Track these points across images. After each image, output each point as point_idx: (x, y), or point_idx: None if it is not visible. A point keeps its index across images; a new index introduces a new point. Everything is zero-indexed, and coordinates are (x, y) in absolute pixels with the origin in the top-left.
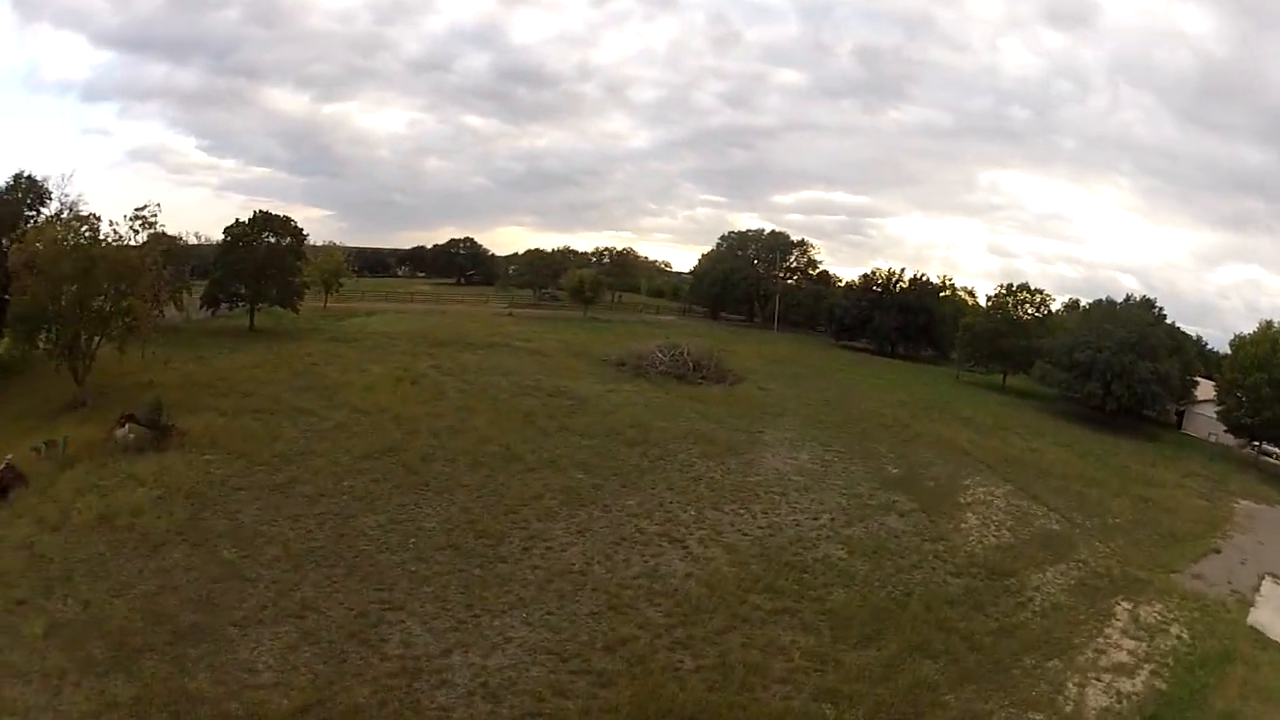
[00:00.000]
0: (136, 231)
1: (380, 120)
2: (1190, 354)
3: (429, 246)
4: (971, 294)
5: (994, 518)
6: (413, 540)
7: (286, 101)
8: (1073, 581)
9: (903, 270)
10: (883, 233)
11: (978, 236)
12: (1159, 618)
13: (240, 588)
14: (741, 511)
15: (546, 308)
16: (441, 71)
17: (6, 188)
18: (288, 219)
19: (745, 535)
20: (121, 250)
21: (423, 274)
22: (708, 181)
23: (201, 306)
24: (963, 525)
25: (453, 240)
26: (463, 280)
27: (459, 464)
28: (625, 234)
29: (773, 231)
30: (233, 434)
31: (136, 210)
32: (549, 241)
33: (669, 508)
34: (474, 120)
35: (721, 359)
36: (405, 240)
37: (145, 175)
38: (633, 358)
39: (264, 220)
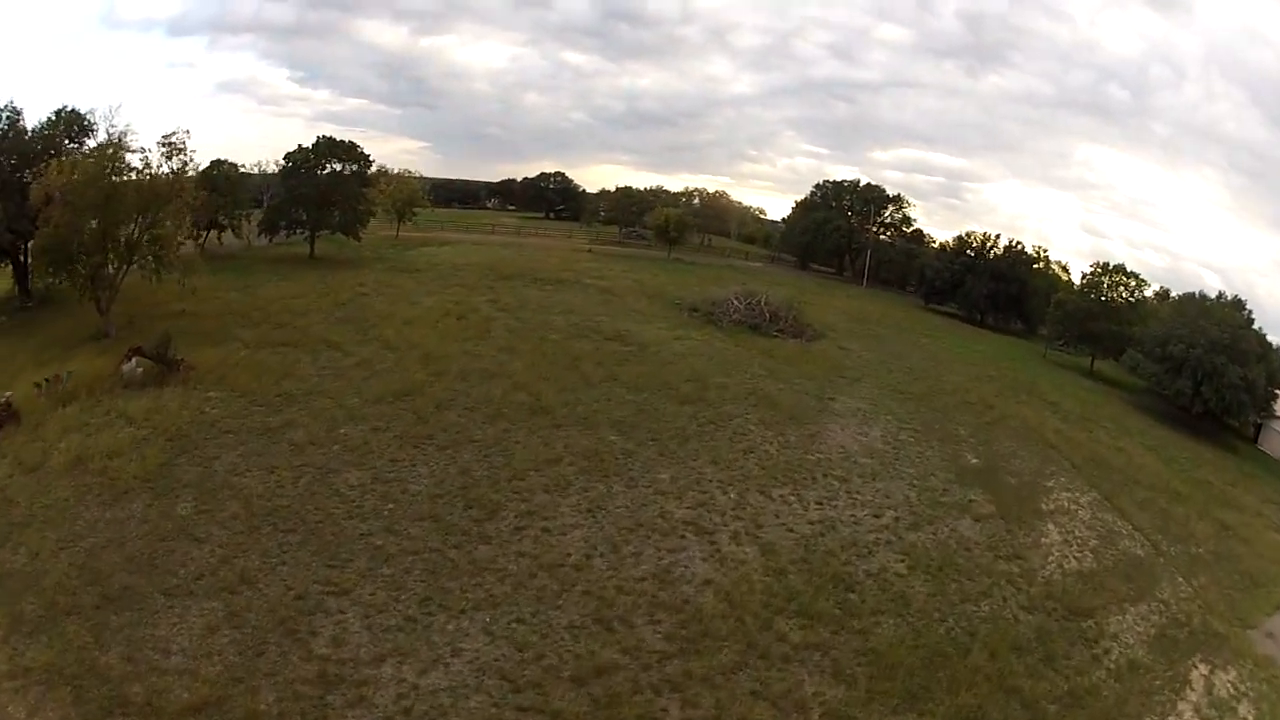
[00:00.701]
0: (168, 158)
1: (479, 54)
2: (1276, 364)
3: (519, 180)
4: (1065, 269)
5: (1077, 533)
6: (390, 506)
7: (383, 34)
8: (1153, 630)
9: (997, 236)
10: (978, 198)
11: (1070, 212)
12: (1231, 689)
13: (185, 549)
14: (792, 499)
15: (630, 246)
16: (542, 8)
17: (47, 123)
18: (353, 144)
19: (790, 532)
20: (146, 179)
21: (512, 207)
22: (809, 131)
23: (260, 233)
24: (1043, 540)
25: (543, 174)
26: (551, 215)
27: (476, 415)
28: (723, 179)
29: (869, 184)
30: (244, 369)
31: (164, 136)
32: (646, 181)
33: (706, 486)
34: (574, 56)
35: (801, 311)
36: (501, 174)
37: (235, 107)
38: (707, 303)
39: (328, 146)
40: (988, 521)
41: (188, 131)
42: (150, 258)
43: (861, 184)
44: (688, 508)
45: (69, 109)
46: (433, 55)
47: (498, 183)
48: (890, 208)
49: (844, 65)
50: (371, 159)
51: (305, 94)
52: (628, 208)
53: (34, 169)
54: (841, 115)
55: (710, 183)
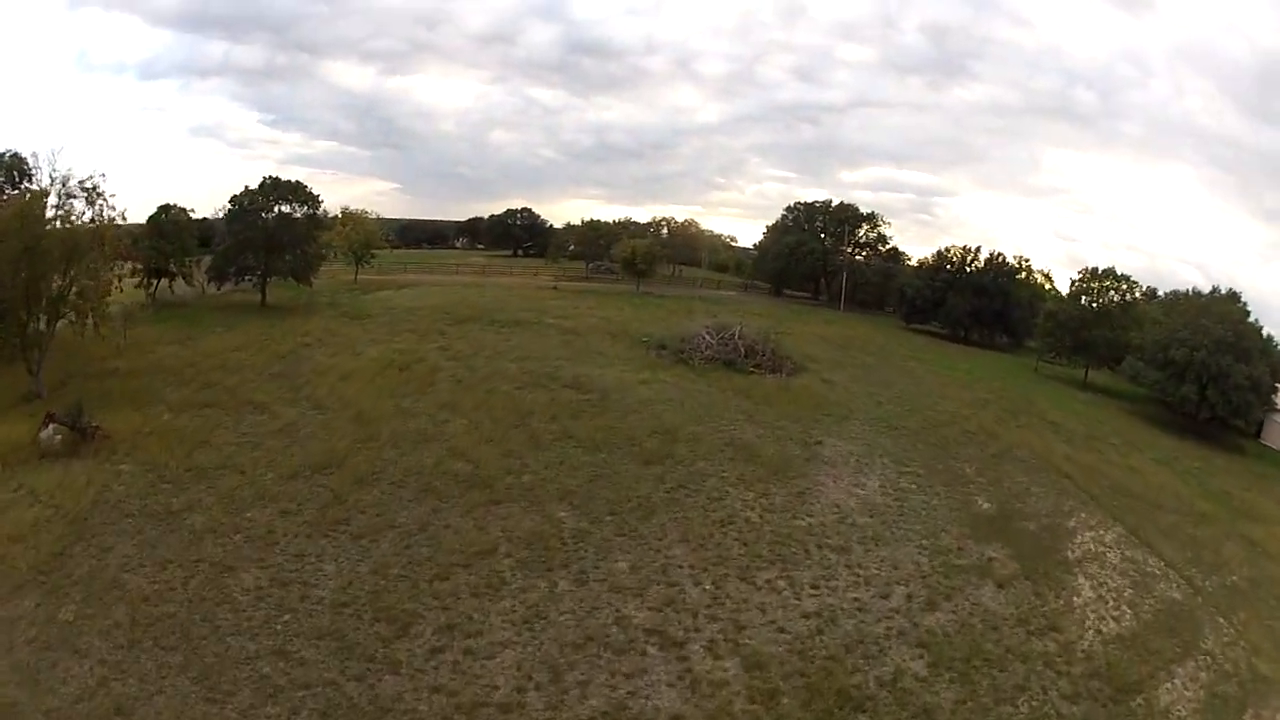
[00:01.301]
0: (90, 204)
1: (446, 93)
2: (1276, 356)
3: (485, 217)
4: (1049, 278)
5: (1110, 582)
6: (285, 618)
7: (350, 75)
8: (1202, 692)
9: (978, 249)
10: (949, 212)
11: (1043, 219)
12: None
13: (66, 663)
14: (781, 583)
15: (598, 281)
16: (507, 44)
17: None
18: (300, 185)
19: (781, 633)
20: (71, 228)
21: (481, 246)
22: (776, 156)
23: (210, 280)
24: (1076, 600)
25: (509, 210)
26: (519, 252)
27: (403, 490)
28: (694, 208)
29: (841, 203)
30: (160, 437)
31: (80, 182)
32: (617, 214)
33: (675, 575)
34: (541, 93)
35: (779, 342)
36: (472, 213)
37: (207, 151)
38: (676, 340)
39: (274, 187)
40: (1012, 585)
41: (103, 175)
42: (75, 314)
43: (834, 204)
44: (651, 608)
45: (7, 153)
46: (400, 96)
47: (465, 221)
48: (864, 227)
49: (809, 88)
50: (321, 200)
51: (276, 136)
52: (594, 241)
53: None
54: (808, 138)
55: (681, 212)
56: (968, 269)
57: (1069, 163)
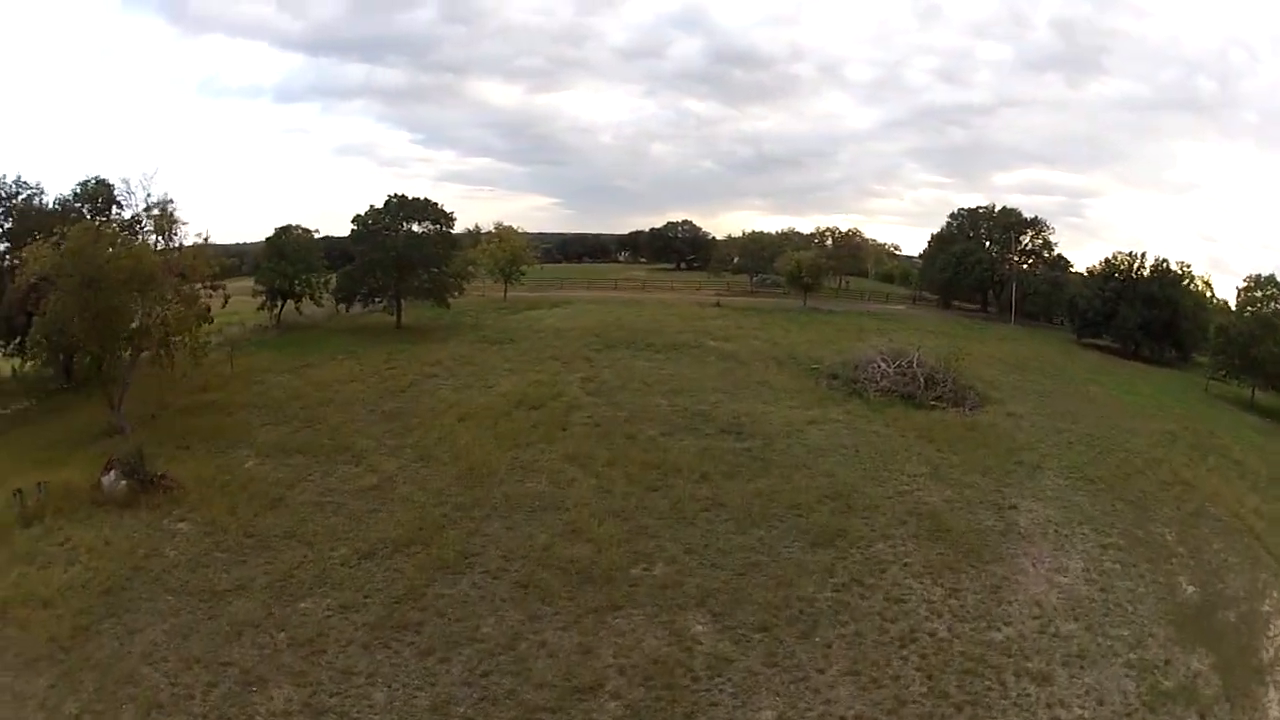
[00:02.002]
0: (160, 232)
1: (599, 108)
2: None
3: (646, 230)
4: (1209, 285)
5: None
6: None
7: (497, 94)
8: None
9: (1143, 256)
10: (1098, 214)
11: (1183, 217)
12: None
13: None
14: None
15: (762, 296)
16: (654, 58)
17: (72, 195)
18: (430, 202)
19: None
20: (134, 255)
21: (643, 259)
22: (930, 161)
23: (338, 302)
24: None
25: (670, 223)
26: (681, 265)
27: (499, 583)
28: (854, 216)
29: (1004, 208)
30: (232, 490)
31: (146, 207)
32: (778, 225)
33: None
34: (694, 104)
35: (959, 369)
36: (632, 226)
37: (357, 170)
38: (848, 368)
39: (401, 205)
40: (1212, 713)
41: (172, 201)
42: (160, 348)
43: (997, 209)
44: None
45: (95, 179)
46: (552, 112)
47: (626, 235)
48: (1029, 233)
49: (953, 89)
50: (454, 216)
51: (428, 155)
52: (758, 254)
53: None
54: (958, 141)
55: (842, 222)
56: (1135, 277)
57: (1198, 156)
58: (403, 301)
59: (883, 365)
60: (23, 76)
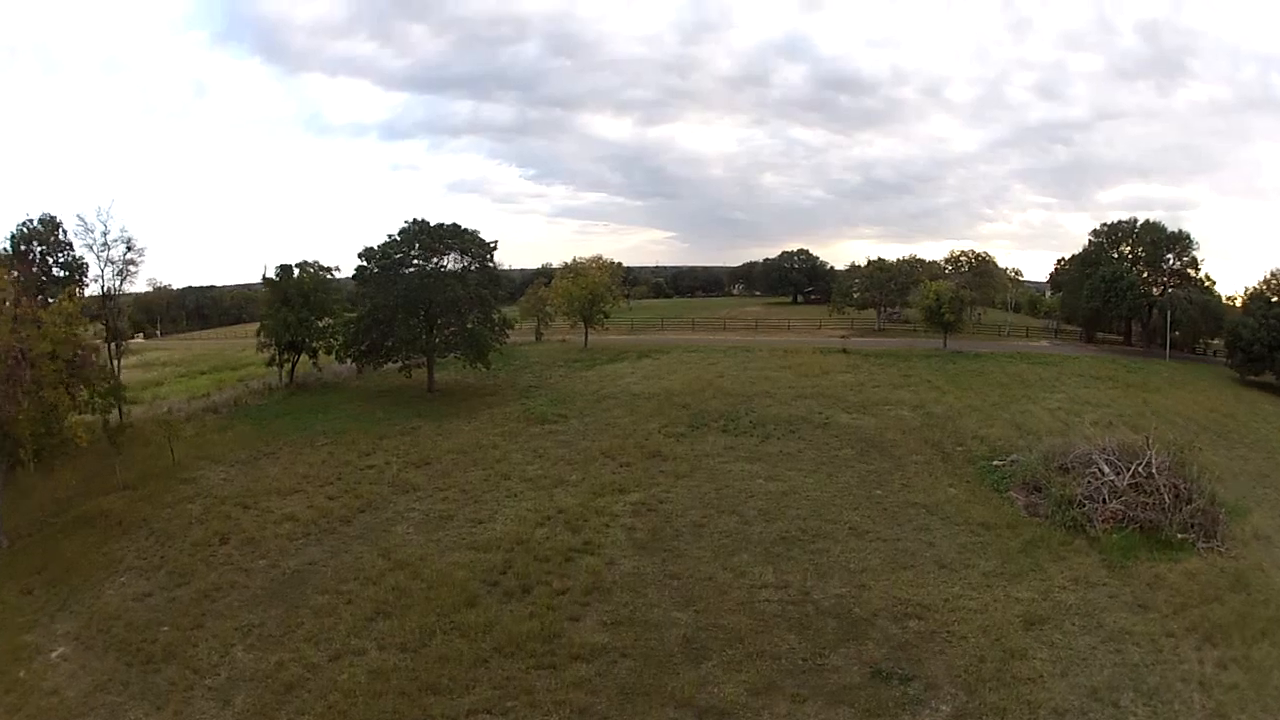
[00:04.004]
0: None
1: (709, 138)
2: None
3: (760, 261)
4: None
5: None
6: None
7: (607, 127)
8: None
9: None
10: (1197, 226)
11: (1274, 222)
12: None
13: None
14: None
15: (892, 334)
16: (760, 86)
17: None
18: (461, 229)
19: None
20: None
21: (757, 292)
22: (1035, 181)
23: (342, 360)
24: None
25: (785, 253)
26: (799, 298)
27: None
28: (965, 242)
29: (1147, 222)
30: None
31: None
32: (890, 253)
33: None
34: (802, 132)
35: (1199, 472)
36: (746, 258)
37: (470, 206)
38: (1049, 465)
39: (420, 234)
40: None
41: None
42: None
43: (1139, 223)
44: None
45: (40, 217)
46: (664, 144)
47: (739, 267)
48: (1173, 251)
49: (1053, 106)
50: (494, 245)
51: (541, 190)
52: (884, 285)
53: None
54: (1062, 159)
55: (954, 247)
56: None
57: None
58: (434, 358)
59: (1104, 473)
60: (105, 117)
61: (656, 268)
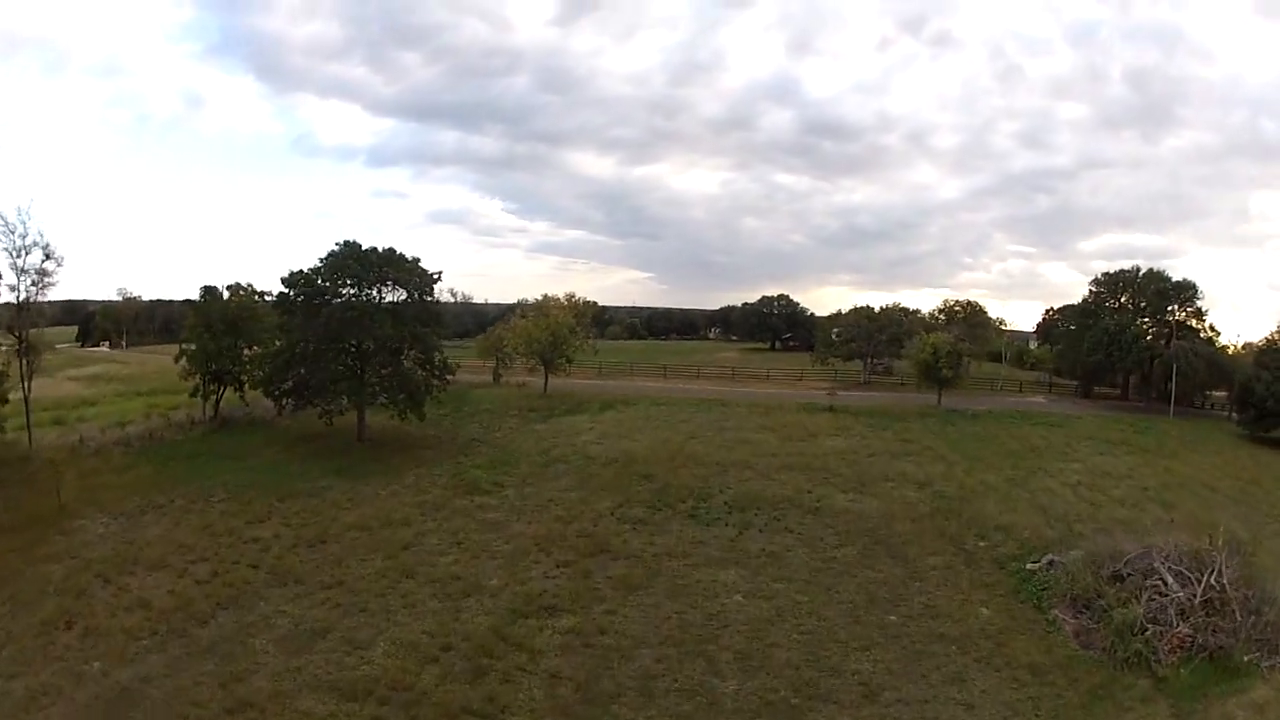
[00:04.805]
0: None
1: (692, 180)
2: None
3: (739, 305)
4: None
5: None
6: None
7: (591, 165)
8: None
9: None
10: (1179, 275)
11: (1255, 269)
12: None
13: None
14: None
15: (880, 386)
16: (745, 130)
17: None
18: (396, 255)
19: None
20: None
21: (734, 337)
22: (1016, 230)
23: (268, 398)
24: None
25: (765, 298)
26: (777, 345)
27: None
28: (943, 290)
29: (1150, 271)
30: None
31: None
32: (868, 300)
33: None
34: (785, 177)
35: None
36: (723, 302)
37: (450, 237)
38: (1095, 574)
39: (348, 259)
40: None
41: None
42: None
43: (1140, 271)
44: None
45: None
46: (648, 184)
47: (717, 310)
48: (1178, 301)
49: (1036, 154)
50: (436, 277)
51: (522, 224)
52: (872, 334)
53: None
54: (1044, 208)
55: (934, 295)
56: None
57: (1270, 205)
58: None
59: (1172, 585)
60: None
61: (633, 308)
